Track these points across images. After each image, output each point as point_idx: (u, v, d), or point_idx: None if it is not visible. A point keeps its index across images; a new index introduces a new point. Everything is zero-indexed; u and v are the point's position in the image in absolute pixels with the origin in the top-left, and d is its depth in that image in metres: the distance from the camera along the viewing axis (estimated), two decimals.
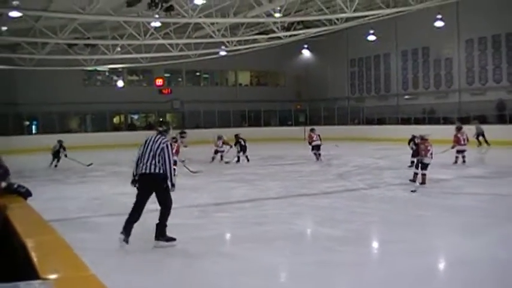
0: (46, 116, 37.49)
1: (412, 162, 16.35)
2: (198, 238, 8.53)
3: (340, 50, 43.78)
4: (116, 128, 41.64)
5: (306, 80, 47.85)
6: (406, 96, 39.19)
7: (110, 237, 8.73)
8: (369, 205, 11.51)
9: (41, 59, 32.11)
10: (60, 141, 22.40)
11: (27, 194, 4.76)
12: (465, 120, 28.66)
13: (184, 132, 21.23)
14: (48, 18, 24.43)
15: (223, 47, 34.56)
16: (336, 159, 22.12)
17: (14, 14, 20.76)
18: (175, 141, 21.90)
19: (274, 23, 28.35)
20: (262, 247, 7.87)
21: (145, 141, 7.93)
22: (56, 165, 21.89)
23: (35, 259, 1.98)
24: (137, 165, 7.91)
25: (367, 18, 27.85)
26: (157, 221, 7.81)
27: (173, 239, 7.87)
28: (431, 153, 13.92)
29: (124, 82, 43.57)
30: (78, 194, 14.03)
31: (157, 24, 26.42)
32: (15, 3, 19.67)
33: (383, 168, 18.53)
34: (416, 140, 16.05)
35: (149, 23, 26.41)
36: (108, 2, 22.20)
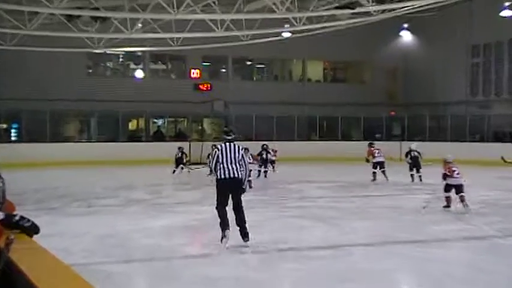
0: (32, 117, 37.92)
1: (412, 175, 24.16)
2: None
3: (457, 32, 43.02)
4: (132, 138, 41.95)
5: (403, 76, 47.84)
6: None
7: None
8: (501, 260, 11.37)
9: (28, 36, 32.53)
10: (180, 148, 30.58)
11: (33, 229, 4.86)
12: None
13: None
14: None
15: (287, 26, 34.68)
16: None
17: None
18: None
19: None
20: None
21: (222, 150, 11.93)
22: (174, 171, 29.47)
23: None
24: (214, 170, 12.07)
25: None
26: (238, 224, 11.65)
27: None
28: (458, 173, 17.30)
29: (145, 72, 44.18)
30: (85, 230, 14.29)
31: None
32: None
33: None
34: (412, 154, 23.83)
35: None
36: None
